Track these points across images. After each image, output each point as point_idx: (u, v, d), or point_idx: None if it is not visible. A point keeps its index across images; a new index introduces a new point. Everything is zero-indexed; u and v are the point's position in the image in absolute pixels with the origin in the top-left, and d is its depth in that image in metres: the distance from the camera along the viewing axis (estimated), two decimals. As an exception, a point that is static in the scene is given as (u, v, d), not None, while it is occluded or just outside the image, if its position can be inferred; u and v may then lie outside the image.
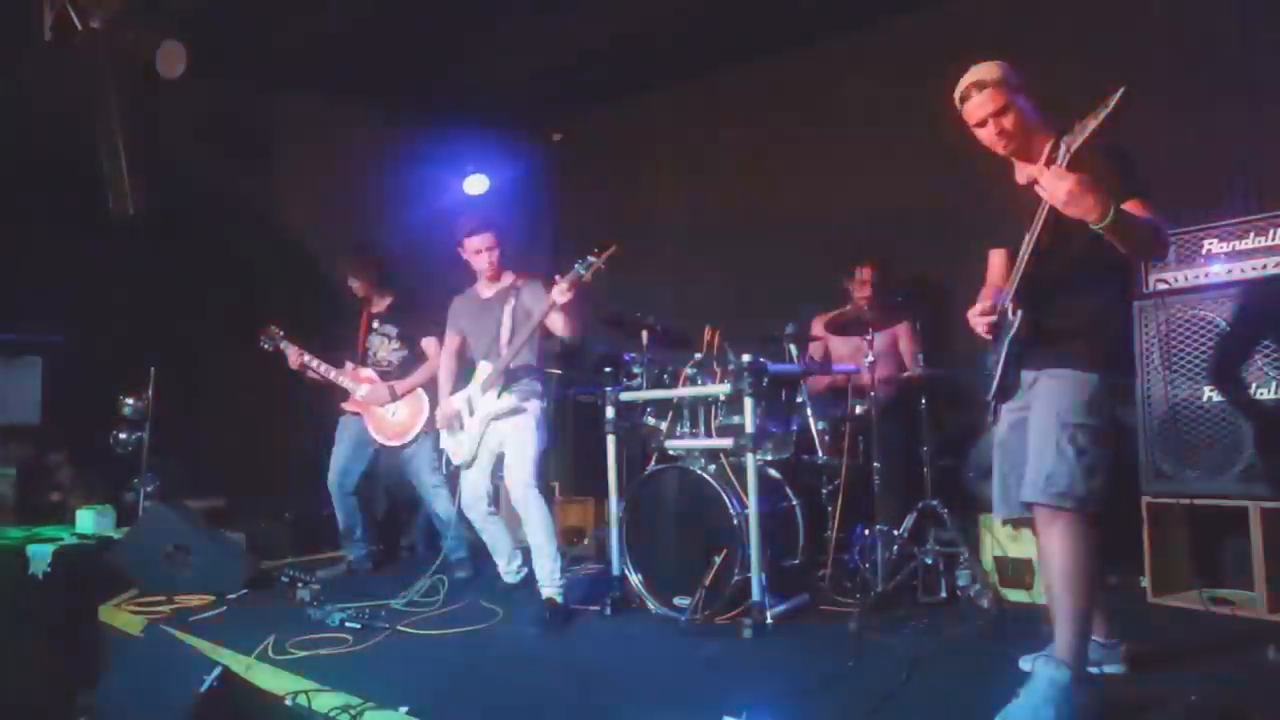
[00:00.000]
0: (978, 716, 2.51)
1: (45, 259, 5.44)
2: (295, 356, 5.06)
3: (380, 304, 5.18)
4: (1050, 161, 2.47)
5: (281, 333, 5.10)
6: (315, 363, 5.06)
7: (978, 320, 2.83)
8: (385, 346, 5.11)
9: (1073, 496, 2.55)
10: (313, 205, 6.18)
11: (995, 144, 2.76)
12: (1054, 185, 2.40)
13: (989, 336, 2.82)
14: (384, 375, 5.04)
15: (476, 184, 6.76)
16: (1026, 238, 2.62)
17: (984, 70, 2.71)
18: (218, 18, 4.90)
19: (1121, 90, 2.26)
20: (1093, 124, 2.34)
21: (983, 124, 2.72)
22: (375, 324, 5.15)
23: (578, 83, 6.39)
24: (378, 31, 5.44)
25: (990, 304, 2.83)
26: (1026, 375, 2.78)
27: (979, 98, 2.70)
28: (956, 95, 2.75)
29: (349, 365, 5.08)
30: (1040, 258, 2.62)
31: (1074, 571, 2.57)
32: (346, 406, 5.10)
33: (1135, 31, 4.46)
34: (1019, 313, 2.68)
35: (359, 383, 5.04)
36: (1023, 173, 2.84)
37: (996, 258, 3.02)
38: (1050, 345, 2.69)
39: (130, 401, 5.33)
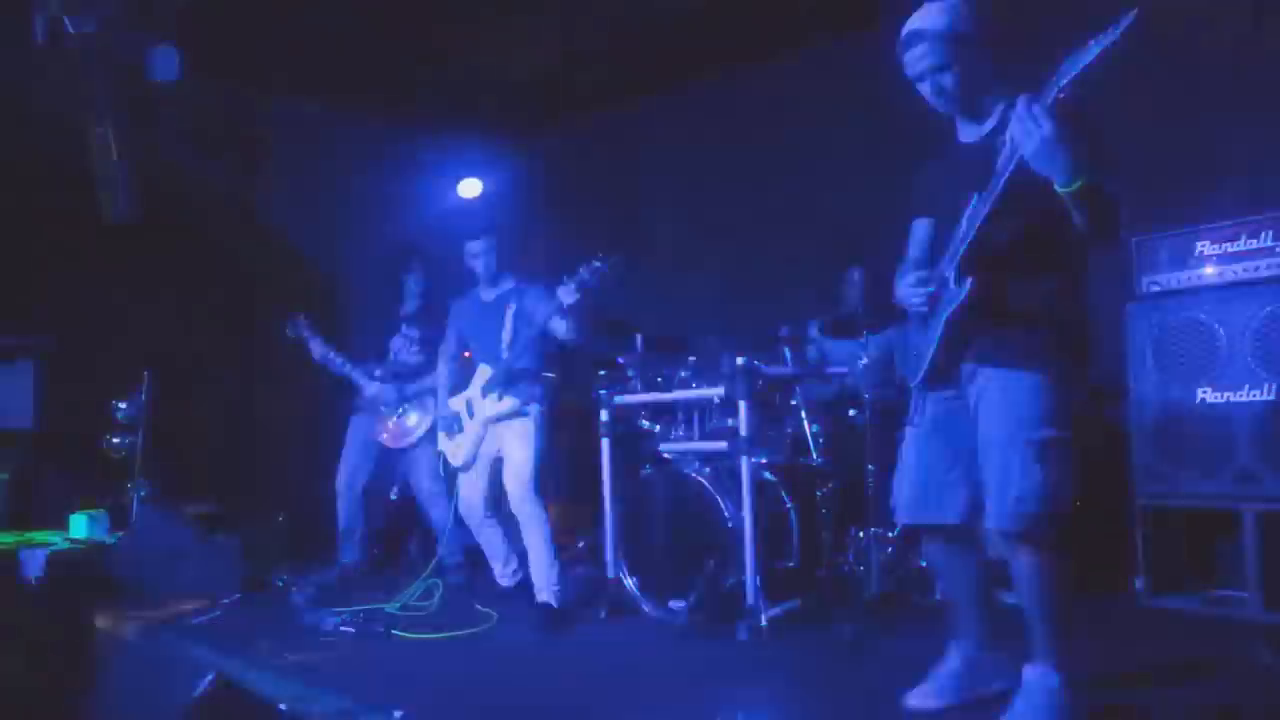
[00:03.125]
0: (972, 718, 2.51)
1: (39, 262, 5.43)
2: (319, 348, 5.05)
3: (411, 306, 5.20)
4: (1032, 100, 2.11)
5: (307, 323, 5.10)
6: (335, 357, 5.06)
7: (914, 291, 2.49)
8: (406, 348, 5.12)
9: (1046, 516, 2.34)
10: (306, 207, 6.17)
11: (933, 101, 2.45)
12: (1028, 127, 2.10)
13: (924, 310, 2.49)
14: (399, 376, 5.05)
15: (470, 187, 6.75)
16: (976, 197, 2.32)
17: (931, 15, 2.37)
18: (213, 19, 4.90)
19: (1133, 13, 1.95)
20: (1095, 50, 2.02)
21: (920, 79, 2.42)
22: (402, 326, 5.17)
23: (572, 85, 6.39)
24: (373, 34, 5.43)
25: (927, 273, 2.50)
26: (965, 366, 2.47)
27: (918, 49, 2.38)
28: (899, 41, 2.42)
29: (370, 364, 5.11)
30: (992, 222, 2.29)
31: (1050, 588, 2.40)
32: (357, 404, 5.12)
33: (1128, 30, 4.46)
34: (966, 283, 2.35)
35: (370, 380, 5.05)
36: (969, 130, 2.54)
37: (921, 229, 2.66)
38: (998, 331, 2.39)
39: (123, 405, 5.31)
